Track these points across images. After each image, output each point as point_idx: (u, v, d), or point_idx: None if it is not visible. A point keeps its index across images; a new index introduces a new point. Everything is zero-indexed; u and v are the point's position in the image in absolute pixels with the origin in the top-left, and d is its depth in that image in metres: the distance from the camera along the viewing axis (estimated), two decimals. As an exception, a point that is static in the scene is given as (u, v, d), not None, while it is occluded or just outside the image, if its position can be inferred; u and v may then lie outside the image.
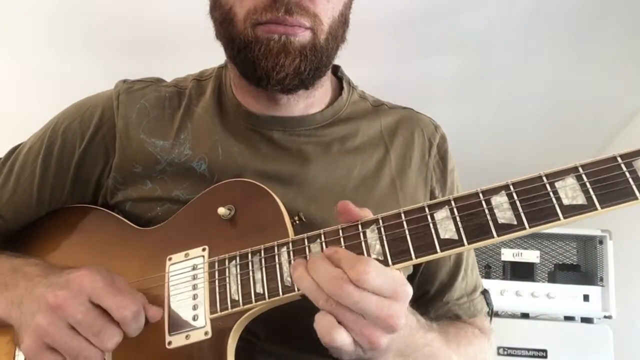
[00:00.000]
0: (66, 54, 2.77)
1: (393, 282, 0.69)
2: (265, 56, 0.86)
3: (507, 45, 2.63)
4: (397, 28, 2.56)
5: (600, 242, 2.43)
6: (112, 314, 0.76)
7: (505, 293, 2.35)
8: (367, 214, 0.77)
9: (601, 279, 2.38)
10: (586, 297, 2.34)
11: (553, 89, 2.94)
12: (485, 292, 1.08)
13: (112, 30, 2.61)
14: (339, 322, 0.69)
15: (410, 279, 1.02)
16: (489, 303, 1.08)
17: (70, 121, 1.01)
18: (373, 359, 0.75)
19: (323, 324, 0.70)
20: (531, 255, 2.41)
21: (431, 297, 1.04)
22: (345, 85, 1.06)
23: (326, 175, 0.95)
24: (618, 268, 2.38)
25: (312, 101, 0.99)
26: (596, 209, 0.66)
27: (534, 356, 2.28)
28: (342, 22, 0.93)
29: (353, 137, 1.00)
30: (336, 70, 1.08)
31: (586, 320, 2.37)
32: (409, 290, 0.71)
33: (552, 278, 2.44)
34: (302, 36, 0.86)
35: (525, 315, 2.41)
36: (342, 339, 0.69)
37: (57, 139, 1.00)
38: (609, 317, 2.32)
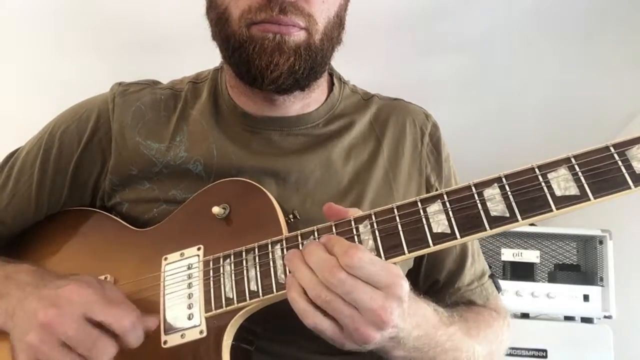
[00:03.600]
0: (67, 55, 2.78)
1: (388, 273, 0.69)
2: (259, 55, 0.86)
3: (507, 45, 2.64)
4: (397, 29, 2.56)
5: (600, 242, 2.43)
6: (111, 327, 0.76)
7: (505, 293, 2.34)
8: (355, 212, 0.77)
9: (601, 279, 2.38)
10: (586, 297, 2.34)
11: (553, 89, 2.94)
12: (492, 276, 1.08)
13: (113, 31, 2.61)
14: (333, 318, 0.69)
15: (416, 269, 1.02)
16: (497, 287, 1.07)
17: (67, 125, 1.01)
18: (383, 352, 0.76)
19: (301, 309, 0.70)
20: (531, 255, 2.40)
21: (442, 286, 1.04)
22: (336, 81, 1.06)
23: (322, 171, 0.96)
24: (618, 268, 2.38)
25: (309, 102, 1.00)
26: (589, 200, 0.66)
27: (534, 356, 2.27)
28: (338, 24, 0.93)
29: (347, 132, 1.01)
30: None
31: (586, 320, 2.37)
32: (405, 285, 0.70)
33: (552, 278, 2.43)
34: (297, 36, 0.86)
35: (525, 315, 2.41)
36: (317, 322, 0.70)
37: (54, 143, 1.00)
38: (609, 317, 2.32)
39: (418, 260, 1.02)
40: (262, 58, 0.86)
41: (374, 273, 0.68)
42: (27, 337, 0.76)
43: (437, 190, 1.00)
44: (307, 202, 0.92)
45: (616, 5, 2.36)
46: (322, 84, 1.01)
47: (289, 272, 0.73)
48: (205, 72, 1.08)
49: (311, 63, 0.89)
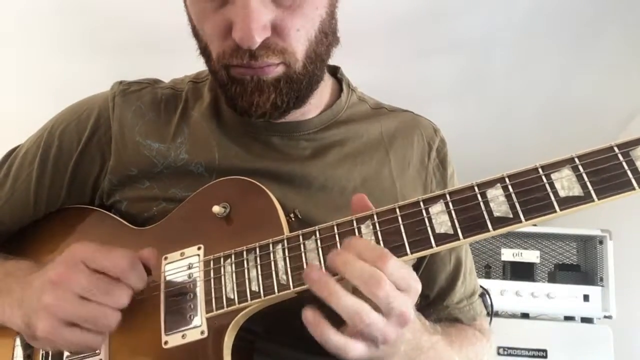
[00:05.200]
0: (66, 54, 2.77)
1: (410, 274, 0.70)
2: (241, 95, 0.86)
3: (507, 46, 2.63)
4: (397, 30, 2.56)
5: (600, 242, 2.43)
6: (110, 272, 0.76)
7: (505, 293, 2.35)
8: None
9: (601, 279, 2.38)
10: (586, 297, 2.34)
11: (553, 89, 2.94)
12: (482, 295, 1.08)
13: (112, 31, 2.61)
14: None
15: None
16: (486, 305, 1.07)
17: (67, 124, 1.01)
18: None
19: (340, 343, 0.69)
20: (531, 255, 2.41)
21: (431, 302, 1.04)
22: (344, 87, 1.04)
23: (326, 176, 0.95)
24: (618, 268, 2.38)
25: (309, 108, 0.98)
26: (593, 201, 0.65)
27: (534, 356, 2.28)
28: (323, 37, 0.88)
29: (352, 139, 0.99)
30: (336, 71, 1.07)
31: (586, 320, 2.37)
32: (419, 285, 0.71)
33: (552, 278, 2.44)
34: (275, 72, 0.84)
35: (525, 315, 2.41)
36: (359, 351, 0.69)
37: (53, 142, 1.00)
38: (609, 317, 2.32)
39: (414, 270, 1.01)
40: (244, 99, 0.85)
41: (403, 276, 0.69)
42: (42, 301, 0.76)
43: None
44: (310, 205, 0.92)
45: (616, 6, 2.36)
46: (319, 89, 0.98)
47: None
48: (206, 72, 1.07)
49: (295, 92, 0.87)
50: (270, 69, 0.83)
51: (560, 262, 2.52)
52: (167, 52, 2.62)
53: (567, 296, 2.34)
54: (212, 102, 1.01)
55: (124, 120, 0.99)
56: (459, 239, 0.69)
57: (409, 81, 2.81)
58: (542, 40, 2.58)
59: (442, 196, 0.72)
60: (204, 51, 0.89)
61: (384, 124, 1.03)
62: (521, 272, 2.41)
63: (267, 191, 0.86)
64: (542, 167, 0.68)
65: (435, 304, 1.04)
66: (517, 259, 2.40)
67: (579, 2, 2.36)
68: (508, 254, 2.41)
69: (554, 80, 2.87)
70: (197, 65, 1.09)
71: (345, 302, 0.68)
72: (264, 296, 0.77)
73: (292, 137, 0.97)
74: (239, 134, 0.97)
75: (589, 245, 2.49)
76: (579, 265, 2.50)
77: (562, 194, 0.66)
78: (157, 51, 2.67)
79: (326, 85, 1.02)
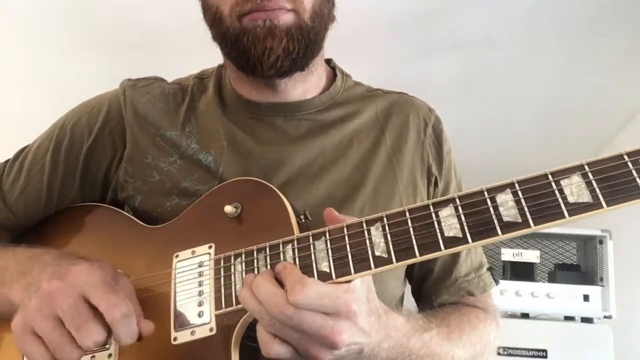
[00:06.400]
0: (68, 55, 2.78)
1: (335, 302, 0.71)
2: (253, 43, 0.90)
3: (507, 45, 2.64)
4: (397, 29, 2.56)
5: (600, 242, 2.44)
6: (102, 312, 0.74)
7: (505, 293, 2.36)
8: (350, 219, 0.78)
9: (601, 279, 2.39)
10: (586, 297, 2.35)
11: (553, 88, 2.94)
12: (490, 269, 1.10)
13: (114, 32, 2.62)
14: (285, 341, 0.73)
15: None
16: (496, 279, 1.09)
17: (78, 118, 1.04)
18: None
19: (261, 338, 0.74)
20: (531, 255, 2.41)
21: (438, 276, 1.06)
22: (338, 73, 1.09)
23: (326, 155, 0.99)
24: (618, 268, 2.39)
25: (309, 86, 1.03)
26: (602, 207, 0.65)
27: (534, 356, 2.29)
28: (326, 1, 0.96)
29: (351, 119, 1.03)
30: (329, 62, 1.11)
31: (586, 320, 2.38)
32: (350, 305, 0.72)
33: (552, 278, 2.45)
34: (286, 18, 0.89)
35: (525, 315, 2.42)
36: (276, 351, 0.72)
37: (65, 135, 1.02)
38: (609, 317, 2.33)
39: None
40: (257, 46, 0.90)
41: (321, 305, 0.70)
42: (30, 303, 0.76)
43: (437, 180, 1.04)
44: (314, 186, 0.95)
45: (616, 6, 2.37)
46: (319, 66, 1.05)
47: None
48: (210, 69, 1.11)
49: (305, 42, 0.92)
50: (282, 13, 0.89)
51: (560, 262, 2.53)
52: (167, 52, 2.63)
53: (567, 296, 2.36)
54: (216, 92, 1.05)
55: (137, 109, 1.02)
56: (467, 243, 0.70)
57: (409, 80, 2.81)
58: (541, 40, 2.59)
59: (452, 200, 0.72)
60: (215, 17, 0.94)
61: (380, 104, 1.08)
62: (521, 272, 2.42)
63: (279, 192, 0.87)
64: (552, 174, 0.69)
65: (444, 279, 1.06)
66: (517, 258, 2.41)
67: (579, 2, 2.36)
68: (508, 254, 2.42)
69: (554, 80, 2.88)
70: (196, 66, 1.13)
71: (252, 307, 0.74)
72: None
73: (294, 117, 1.01)
74: (243, 118, 1.01)
75: (589, 245, 2.50)
76: (579, 265, 2.51)
77: (571, 200, 0.67)
78: (157, 51, 2.68)
79: (323, 71, 1.07)
